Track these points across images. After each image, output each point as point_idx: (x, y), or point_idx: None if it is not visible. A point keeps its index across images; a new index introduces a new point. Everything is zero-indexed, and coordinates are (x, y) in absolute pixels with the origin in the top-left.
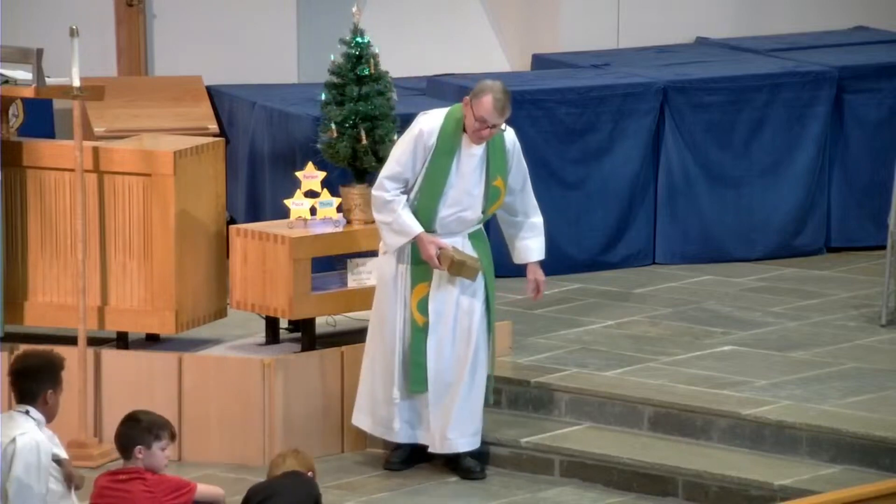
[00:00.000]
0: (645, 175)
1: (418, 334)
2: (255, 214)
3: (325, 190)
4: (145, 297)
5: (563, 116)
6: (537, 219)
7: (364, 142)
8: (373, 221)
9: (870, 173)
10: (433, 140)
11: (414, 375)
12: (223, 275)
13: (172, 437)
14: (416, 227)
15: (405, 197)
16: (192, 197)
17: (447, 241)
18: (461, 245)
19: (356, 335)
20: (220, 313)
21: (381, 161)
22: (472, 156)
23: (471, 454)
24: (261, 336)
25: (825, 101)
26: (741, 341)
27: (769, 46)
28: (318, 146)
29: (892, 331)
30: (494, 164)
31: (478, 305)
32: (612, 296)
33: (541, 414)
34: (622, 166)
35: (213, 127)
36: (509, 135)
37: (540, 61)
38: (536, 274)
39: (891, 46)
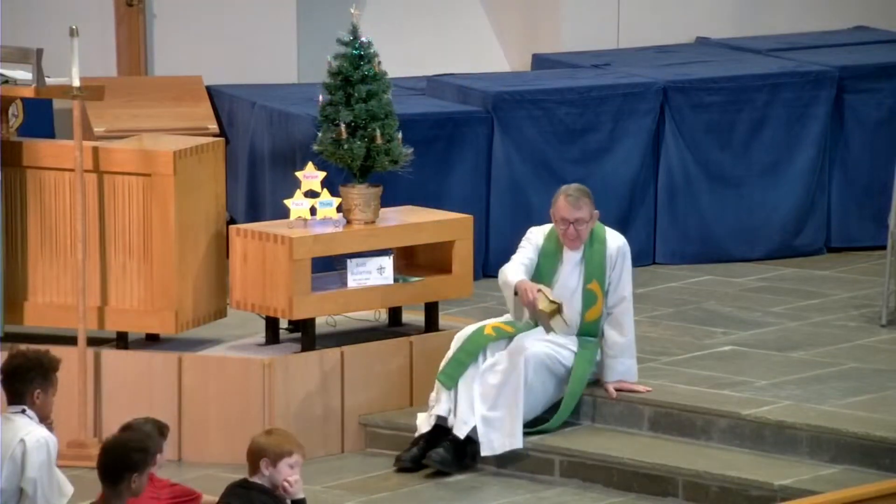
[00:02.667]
0: (645, 175)
1: (479, 338)
2: (254, 214)
3: (324, 190)
4: (145, 297)
5: (563, 116)
6: (620, 338)
7: (379, 141)
8: (372, 221)
9: (870, 173)
10: (541, 241)
11: (449, 369)
12: (223, 275)
13: (164, 436)
14: (514, 277)
15: (518, 267)
16: (191, 197)
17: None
18: (573, 345)
19: (356, 335)
20: (220, 313)
21: (394, 162)
22: (570, 260)
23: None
24: (261, 336)
25: (825, 101)
26: (741, 341)
27: (769, 46)
28: (316, 148)
29: (892, 331)
30: (590, 267)
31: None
32: None
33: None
34: (622, 166)
35: (213, 127)
36: (615, 241)
37: (540, 61)
38: (610, 388)
39: (891, 46)
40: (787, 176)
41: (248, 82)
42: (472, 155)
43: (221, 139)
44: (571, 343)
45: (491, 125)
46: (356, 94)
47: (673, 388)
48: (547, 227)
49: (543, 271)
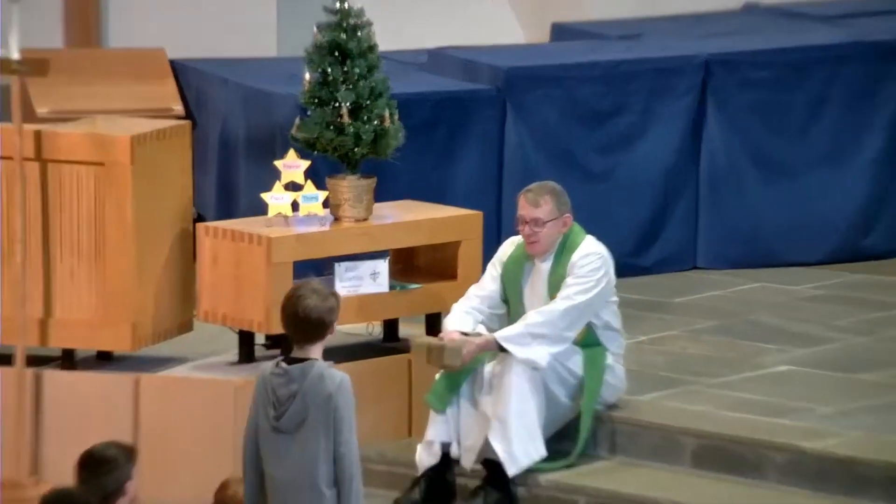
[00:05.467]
0: (683, 164)
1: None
2: (227, 210)
3: (309, 182)
4: (97, 307)
5: (586, 96)
6: (537, 318)
7: (388, 123)
8: (365, 218)
9: None
10: (511, 250)
11: (439, 387)
12: (190, 281)
13: (133, 461)
14: (450, 326)
15: (471, 302)
16: (153, 190)
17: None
18: (569, 360)
19: (345, 352)
20: (186, 326)
21: (396, 148)
22: (540, 271)
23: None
24: (233, 354)
25: None
26: (799, 360)
27: (830, 12)
28: (301, 136)
29: None
30: (553, 278)
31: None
32: (646, 306)
33: (563, 446)
34: (656, 154)
35: (179, 108)
36: (584, 249)
37: (560, 32)
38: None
39: None
40: (853, 165)
41: (220, 56)
42: (481, 141)
43: (188, 122)
44: (576, 350)
45: (503, 106)
46: (357, 70)
47: (719, 415)
48: (509, 247)
49: (508, 284)
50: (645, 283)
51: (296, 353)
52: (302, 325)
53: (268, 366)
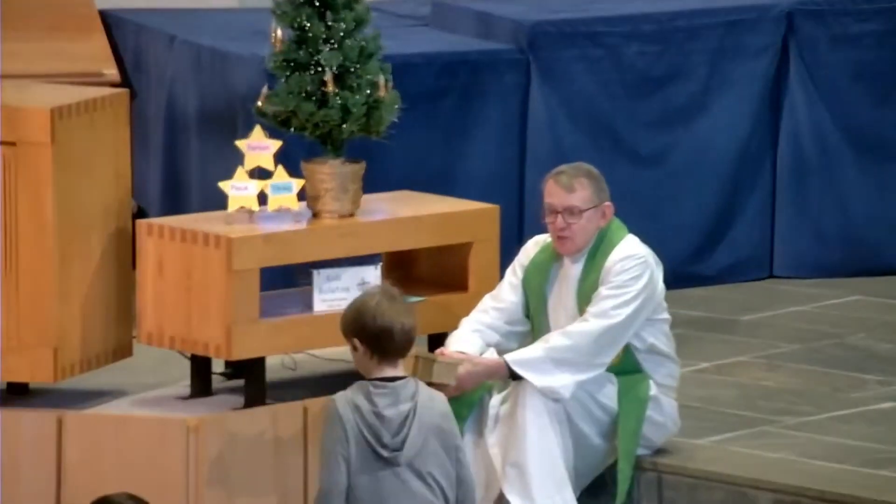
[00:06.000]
0: (759, 145)
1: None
2: (175, 203)
3: (279, 167)
4: (8, 328)
5: (633, 58)
6: (562, 342)
7: (384, 92)
8: (351, 214)
9: None
10: (533, 253)
11: None
12: (128, 295)
13: None
14: (455, 346)
15: (485, 317)
16: (79, 177)
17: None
18: (601, 391)
19: (325, 383)
20: (123, 351)
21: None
22: (568, 276)
23: None
24: (184, 385)
25: None
26: None
27: None
28: (271, 109)
29: None
30: (585, 285)
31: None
32: (708, 325)
33: (601, 500)
34: (724, 132)
35: (112, 72)
36: (623, 251)
37: None
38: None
39: None
40: None
41: (165, 6)
42: (499, 116)
43: (125, 90)
44: (610, 378)
45: (527, 71)
46: (344, 26)
47: (803, 464)
48: (535, 247)
49: (531, 293)
50: (707, 296)
51: (387, 373)
52: (390, 337)
53: (345, 393)
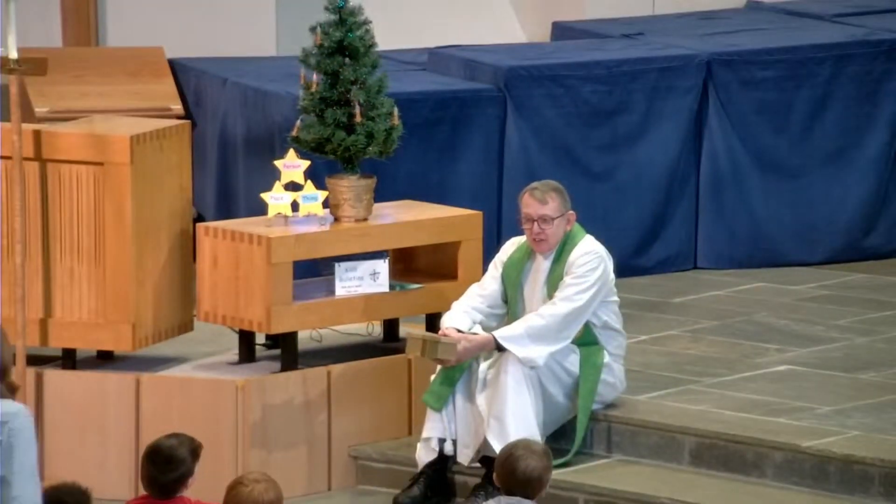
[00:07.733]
0: (685, 164)
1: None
2: (226, 210)
3: (308, 182)
4: (97, 307)
5: (588, 95)
6: (538, 321)
7: (396, 120)
8: (364, 218)
9: None
10: (511, 251)
11: (436, 386)
12: (189, 281)
13: (197, 457)
14: (448, 322)
15: (472, 300)
16: (152, 190)
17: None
18: (566, 359)
19: (346, 352)
20: (186, 327)
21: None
22: (539, 269)
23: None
24: (234, 353)
25: None
26: (800, 360)
27: (834, 11)
28: (306, 138)
29: None
30: (553, 276)
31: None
32: (646, 306)
33: (561, 444)
34: (658, 154)
35: (178, 107)
36: (583, 248)
37: (561, 30)
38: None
39: None
40: (855, 165)
41: (219, 55)
42: (482, 140)
43: (187, 122)
44: (573, 349)
45: (504, 105)
46: (365, 70)
47: (718, 414)
48: (524, 237)
49: (508, 283)
50: (646, 283)
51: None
52: (522, 484)
53: None
